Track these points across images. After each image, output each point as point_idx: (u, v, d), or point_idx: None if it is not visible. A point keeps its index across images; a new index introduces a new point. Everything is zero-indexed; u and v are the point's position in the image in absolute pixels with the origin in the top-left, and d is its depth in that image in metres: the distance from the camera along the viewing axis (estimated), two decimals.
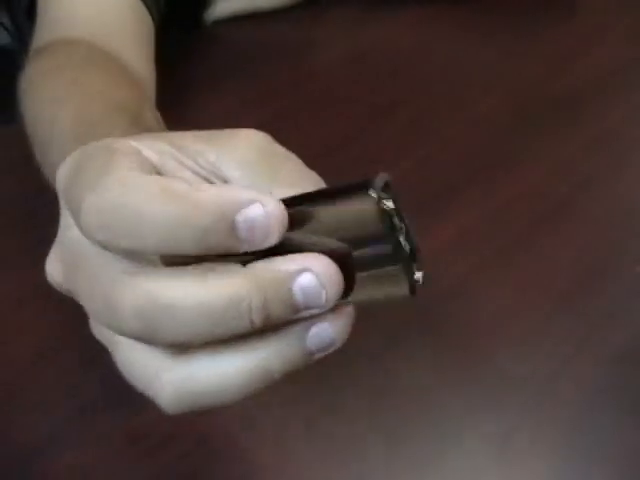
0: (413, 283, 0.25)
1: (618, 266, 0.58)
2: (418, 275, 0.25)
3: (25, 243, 0.59)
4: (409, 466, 0.46)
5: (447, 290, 0.56)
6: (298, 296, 0.25)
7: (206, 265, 0.24)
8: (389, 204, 0.25)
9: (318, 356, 0.27)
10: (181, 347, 0.26)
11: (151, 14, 0.65)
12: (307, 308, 0.25)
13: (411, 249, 0.26)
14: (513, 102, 0.75)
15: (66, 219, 0.27)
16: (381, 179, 0.25)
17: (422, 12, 0.88)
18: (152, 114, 0.48)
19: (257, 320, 0.24)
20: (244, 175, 0.27)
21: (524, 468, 0.46)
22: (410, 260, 0.25)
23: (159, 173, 0.26)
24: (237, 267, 0.25)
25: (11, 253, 0.59)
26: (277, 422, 0.48)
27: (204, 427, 0.48)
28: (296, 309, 0.25)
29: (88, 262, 0.26)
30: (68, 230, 0.27)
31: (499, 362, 0.52)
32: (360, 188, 0.25)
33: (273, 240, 0.24)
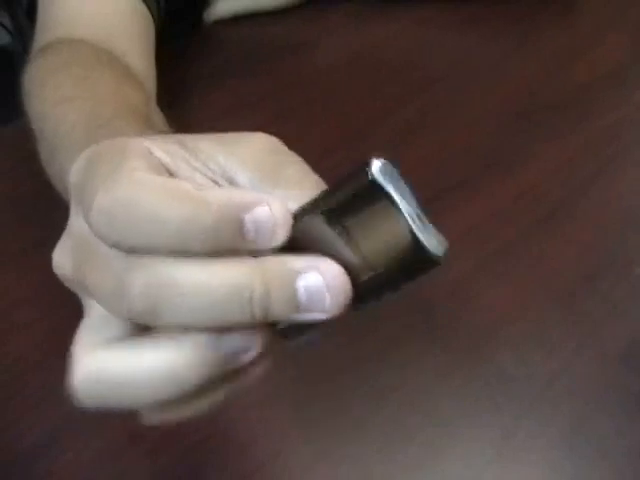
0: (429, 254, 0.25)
1: (618, 267, 0.58)
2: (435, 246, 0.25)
3: (24, 244, 0.59)
4: (409, 466, 0.46)
5: (447, 290, 0.56)
6: (301, 294, 0.25)
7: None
8: (380, 180, 0.25)
9: (304, 309, 0.25)
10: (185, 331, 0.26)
11: (152, 14, 0.65)
12: (308, 309, 0.25)
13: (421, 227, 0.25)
14: (513, 102, 0.75)
15: (76, 211, 0.27)
16: (377, 162, 0.25)
17: (422, 12, 0.88)
18: (158, 116, 0.48)
19: (258, 312, 0.24)
20: (250, 178, 0.28)
21: (524, 468, 0.46)
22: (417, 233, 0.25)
23: (170, 174, 0.27)
24: (247, 258, 0.25)
25: (11, 253, 0.59)
26: (277, 422, 0.48)
27: (204, 427, 0.48)
28: (297, 308, 0.25)
29: (98, 249, 0.26)
30: (78, 221, 0.27)
31: (499, 362, 0.52)
32: (356, 174, 0.25)
33: (279, 240, 0.25)
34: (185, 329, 0.25)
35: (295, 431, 0.48)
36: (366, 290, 0.26)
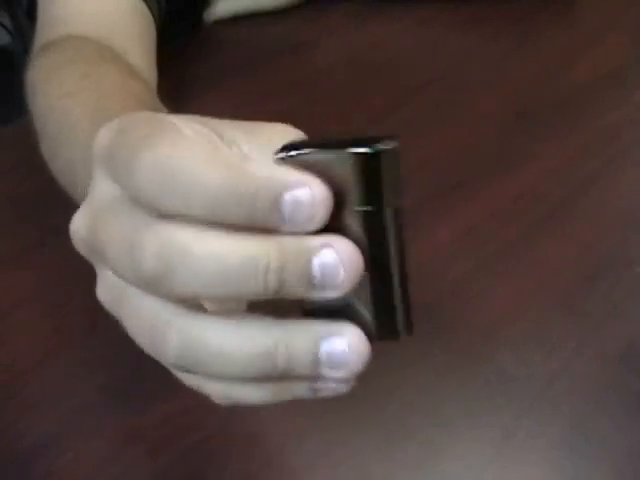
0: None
1: (618, 266, 0.58)
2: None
3: (24, 243, 0.59)
4: (409, 466, 0.46)
5: (447, 290, 0.56)
6: (316, 270, 0.25)
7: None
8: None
9: (326, 372, 0.26)
10: (193, 301, 0.26)
11: (152, 14, 0.65)
12: (322, 286, 0.25)
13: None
14: (513, 102, 0.75)
15: (102, 180, 0.27)
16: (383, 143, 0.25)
17: (422, 12, 0.88)
18: (163, 109, 0.48)
19: (271, 284, 0.24)
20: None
21: (524, 468, 0.46)
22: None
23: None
24: (265, 234, 0.25)
25: (11, 253, 0.59)
26: (277, 422, 0.48)
27: (204, 427, 0.48)
28: (311, 283, 0.25)
29: (118, 213, 0.26)
30: (103, 186, 0.27)
31: (499, 362, 0.52)
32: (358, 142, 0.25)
33: (316, 224, 0.25)
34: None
35: (295, 432, 0.48)
36: None
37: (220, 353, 0.25)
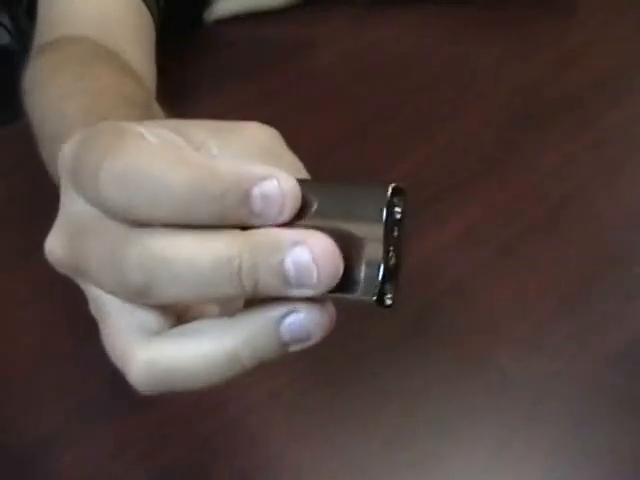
0: (381, 296, 0.25)
1: (618, 267, 0.58)
2: (388, 295, 0.25)
3: (25, 243, 0.59)
4: (409, 466, 0.46)
5: (447, 290, 0.56)
6: (289, 268, 0.24)
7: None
8: (396, 211, 0.25)
9: (294, 348, 0.26)
10: (177, 306, 0.27)
11: (151, 14, 0.65)
12: (299, 285, 0.24)
13: (395, 265, 0.26)
14: (513, 102, 0.75)
15: (70, 195, 0.27)
16: (395, 188, 0.25)
17: (422, 12, 0.88)
18: (157, 108, 0.48)
19: (247, 283, 0.24)
20: None
21: (524, 468, 0.46)
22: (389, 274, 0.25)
23: None
24: (236, 230, 0.25)
25: (11, 253, 0.59)
26: (277, 423, 0.48)
27: (204, 427, 0.48)
28: (286, 282, 0.24)
29: (95, 227, 0.26)
30: (73, 204, 0.27)
31: (499, 362, 0.52)
32: (375, 190, 0.25)
33: (286, 216, 0.25)
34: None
35: (294, 432, 0.48)
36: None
37: (180, 261, 0.24)
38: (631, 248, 0.60)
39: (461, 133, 0.71)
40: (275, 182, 0.24)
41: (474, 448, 0.47)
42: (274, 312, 0.26)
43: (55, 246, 0.28)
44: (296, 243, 0.24)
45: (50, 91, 0.50)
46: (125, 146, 0.24)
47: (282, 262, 0.24)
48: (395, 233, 0.25)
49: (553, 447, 0.47)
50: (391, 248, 0.25)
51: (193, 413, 0.48)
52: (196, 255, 0.24)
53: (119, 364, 0.27)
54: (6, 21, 0.89)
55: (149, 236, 0.24)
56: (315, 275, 0.24)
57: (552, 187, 0.65)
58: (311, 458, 0.47)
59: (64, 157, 0.27)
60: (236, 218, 0.24)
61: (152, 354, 0.26)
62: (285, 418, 0.48)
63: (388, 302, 0.25)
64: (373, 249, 0.25)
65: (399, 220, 0.25)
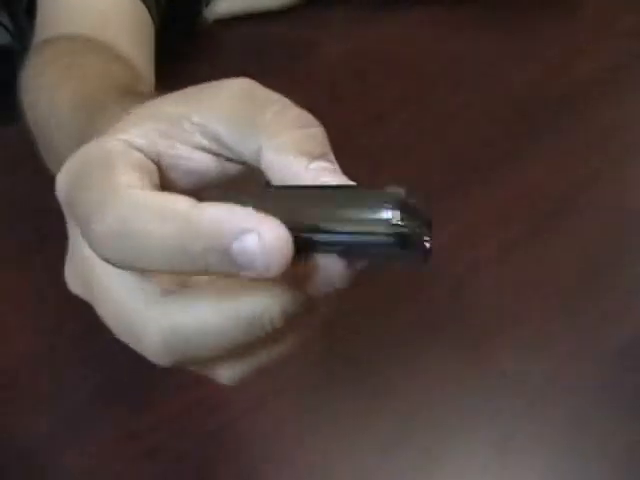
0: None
1: (618, 266, 0.58)
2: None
3: (25, 243, 0.59)
4: (409, 466, 0.46)
5: (447, 290, 0.56)
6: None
7: None
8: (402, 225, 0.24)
9: (239, 267, 0.24)
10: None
11: (151, 14, 0.65)
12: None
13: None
14: (513, 102, 0.75)
15: (73, 230, 0.28)
16: (396, 195, 0.24)
17: (422, 12, 0.88)
18: (146, 90, 0.48)
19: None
20: (229, 128, 0.27)
21: (524, 467, 0.46)
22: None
23: (153, 160, 0.27)
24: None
25: (11, 253, 0.59)
26: (277, 422, 0.48)
27: (204, 427, 0.48)
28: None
29: (105, 284, 0.27)
30: (78, 248, 0.28)
31: (499, 361, 0.52)
32: (376, 203, 0.24)
33: (275, 271, 0.23)
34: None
35: (293, 432, 0.48)
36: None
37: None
38: (631, 248, 0.60)
39: (461, 133, 0.71)
40: (255, 237, 0.23)
41: (474, 447, 0.47)
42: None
43: (73, 284, 0.29)
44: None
45: (43, 81, 0.50)
46: (109, 204, 0.24)
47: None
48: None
49: (553, 447, 0.47)
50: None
51: (192, 413, 0.48)
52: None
53: (130, 341, 0.27)
54: (6, 21, 0.89)
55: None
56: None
57: (552, 186, 0.65)
58: (310, 459, 0.47)
59: (59, 190, 0.27)
60: (225, 272, 0.24)
61: (166, 324, 0.26)
62: (285, 418, 0.48)
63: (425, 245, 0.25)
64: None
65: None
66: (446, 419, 0.48)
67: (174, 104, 0.28)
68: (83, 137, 0.32)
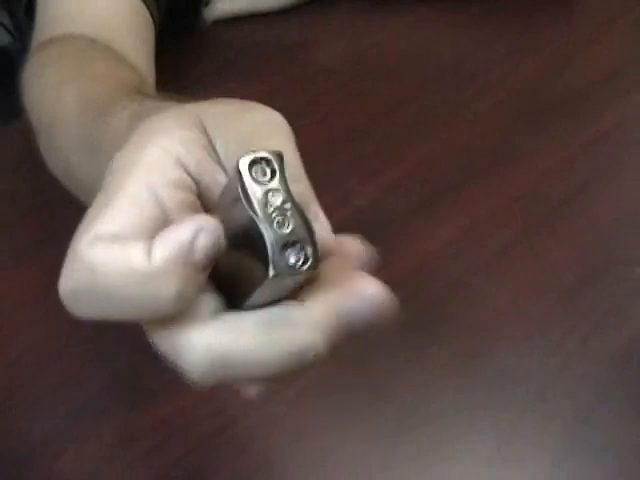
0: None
1: (618, 266, 0.58)
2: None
3: (25, 243, 0.59)
4: (409, 466, 0.46)
5: (447, 290, 0.56)
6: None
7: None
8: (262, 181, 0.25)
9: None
10: None
11: (151, 14, 0.65)
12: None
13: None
14: (513, 102, 0.75)
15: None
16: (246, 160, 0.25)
17: (422, 12, 0.88)
18: (152, 93, 0.49)
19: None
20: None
21: (524, 466, 0.46)
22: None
23: (188, 172, 0.28)
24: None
25: (11, 253, 0.59)
26: (277, 422, 0.48)
27: (204, 427, 0.48)
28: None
29: None
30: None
31: (499, 361, 0.52)
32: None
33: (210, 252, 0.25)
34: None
35: (293, 432, 0.48)
36: None
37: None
38: (631, 248, 0.60)
39: (461, 132, 0.71)
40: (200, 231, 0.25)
41: (474, 447, 0.47)
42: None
43: (85, 307, 0.29)
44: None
45: (46, 81, 0.50)
46: (74, 267, 0.27)
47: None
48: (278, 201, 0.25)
49: (553, 446, 0.47)
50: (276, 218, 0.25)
51: (192, 413, 0.48)
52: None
53: (170, 354, 0.27)
54: (6, 21, 0.89)
55: None
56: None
57: (552, 187, 0.65)
58: (310, 458, 0.47)
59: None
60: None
61: (211, 335, 0.26)
62: (285, 418, 0.48)
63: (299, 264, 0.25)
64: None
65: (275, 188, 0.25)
66: (446, 419, 0.48)
67: (213, 117, 0.30)
68: (96, 133, 0.33)
